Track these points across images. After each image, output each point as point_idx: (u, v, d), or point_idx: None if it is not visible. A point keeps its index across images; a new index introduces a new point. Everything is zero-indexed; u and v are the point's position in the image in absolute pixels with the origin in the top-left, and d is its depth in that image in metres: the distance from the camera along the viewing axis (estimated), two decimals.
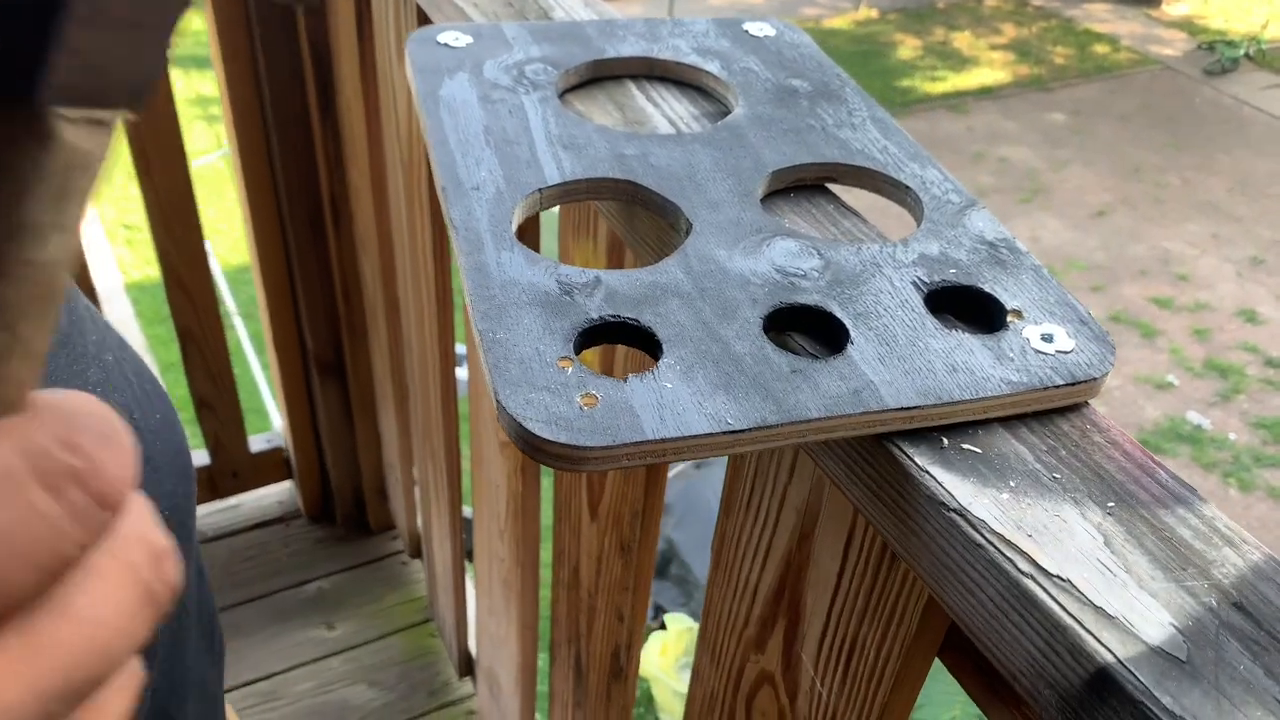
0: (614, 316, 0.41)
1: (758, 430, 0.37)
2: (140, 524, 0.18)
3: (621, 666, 0.81)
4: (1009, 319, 0.44)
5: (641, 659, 1.96)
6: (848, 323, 0.42)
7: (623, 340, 0.42)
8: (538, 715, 1.24)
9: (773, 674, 0.57)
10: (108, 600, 0.17)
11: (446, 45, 0.61)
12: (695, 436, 0.37)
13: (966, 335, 0.42)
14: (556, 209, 0.71)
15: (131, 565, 0.17)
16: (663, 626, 1.86)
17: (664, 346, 0.40)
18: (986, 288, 0.45)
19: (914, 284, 0.45)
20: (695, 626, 1.88)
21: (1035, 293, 0.45)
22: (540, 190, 0.50)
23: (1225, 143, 4.34)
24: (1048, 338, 0.43)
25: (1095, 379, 0.41)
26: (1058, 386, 0.40)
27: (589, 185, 0.51)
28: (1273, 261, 3.84)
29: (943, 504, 0.37)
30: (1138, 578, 0.35)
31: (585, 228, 0.69)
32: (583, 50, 0.62)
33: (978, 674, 0.43)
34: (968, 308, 0.45)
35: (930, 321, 0.43)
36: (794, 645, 0.54)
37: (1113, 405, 3.19)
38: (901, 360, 0.41)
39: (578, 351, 0.40)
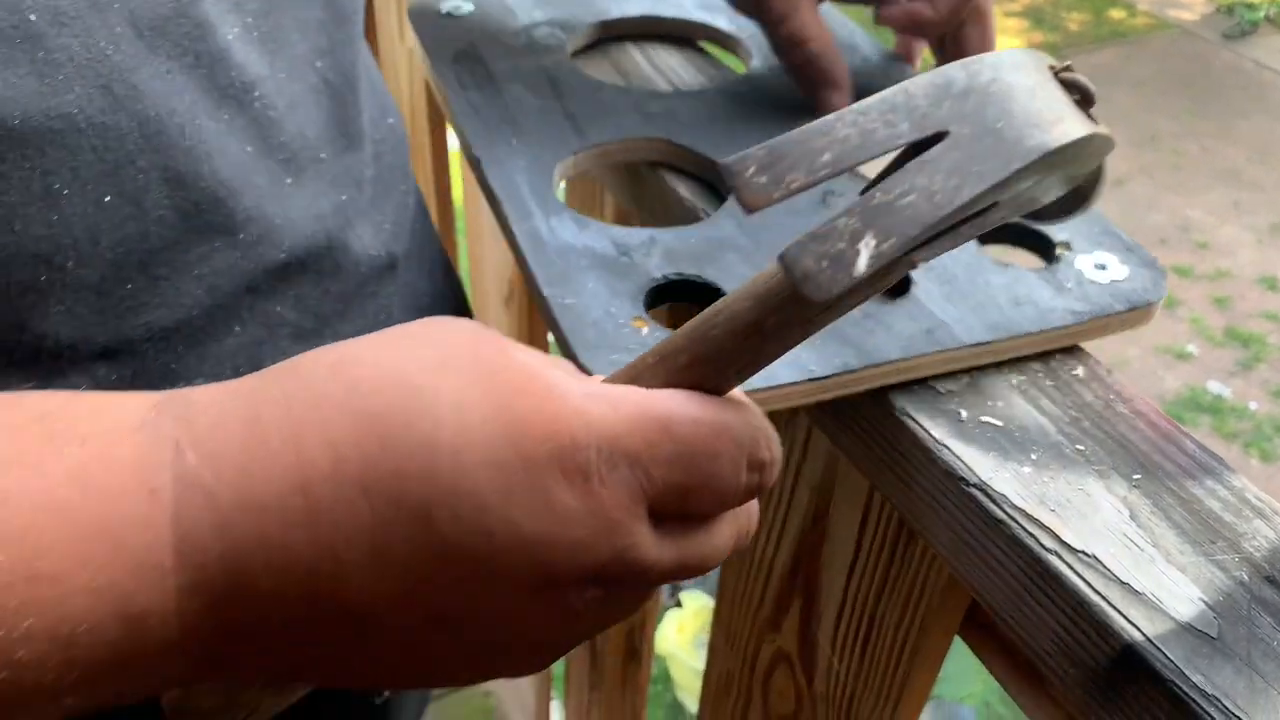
0: (678, 275, 0.42)
1: (841, 375, 0.38)
2: (754, 507, 0.31)
3: (636, 647, 0.80)
4: (1058, 250, 0.44)
5: (658, 637, 1.97)
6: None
7: (688, 298, 0.42)
8: (554, 695, 1.24)
9: (789, 654, 0.56)
10: (749, 519, 0.31)
11: (450, 15, 0.60)
12: (781, 386, 0.37)
13: (1022, 270, 0.43)
14: (562, 184, 0.70)
15: (748, 516, 0.31)
16: (679, 604, 1.86)
17: None
18: (1031, 223, 0.45)
19: None
20: (712, 604, 1.87)
21: (1078, 224, 0.45)
22: (575, 153, 0.49)
23: (1245, 108, 4.28)
24: (1101, 266, 0.43)
25: (1152, 303, 0.42)
26: (1118, 313, 0.41)
27: (623, 146, 0.50)
28: None
29: (962, 479, 0.36)
30: (1165, 552, 0.33)
31: (592, 202, 0.68)
32: (585, 10, 0.60)
33: (1001, 651, 0.42)
34: (1016, 243, 0.46)
35: (986, 259, 0.43)
36: (810, 625, 0.53)
37: (1131, 375, 3.15)
38: (966, 298, 0.41)
39: (647, 310, 0.40)
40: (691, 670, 1.77)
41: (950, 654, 0.46)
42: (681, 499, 0.26)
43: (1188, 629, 0.31)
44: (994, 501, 0.35)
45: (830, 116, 0.24)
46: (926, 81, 0.24)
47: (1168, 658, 0.30)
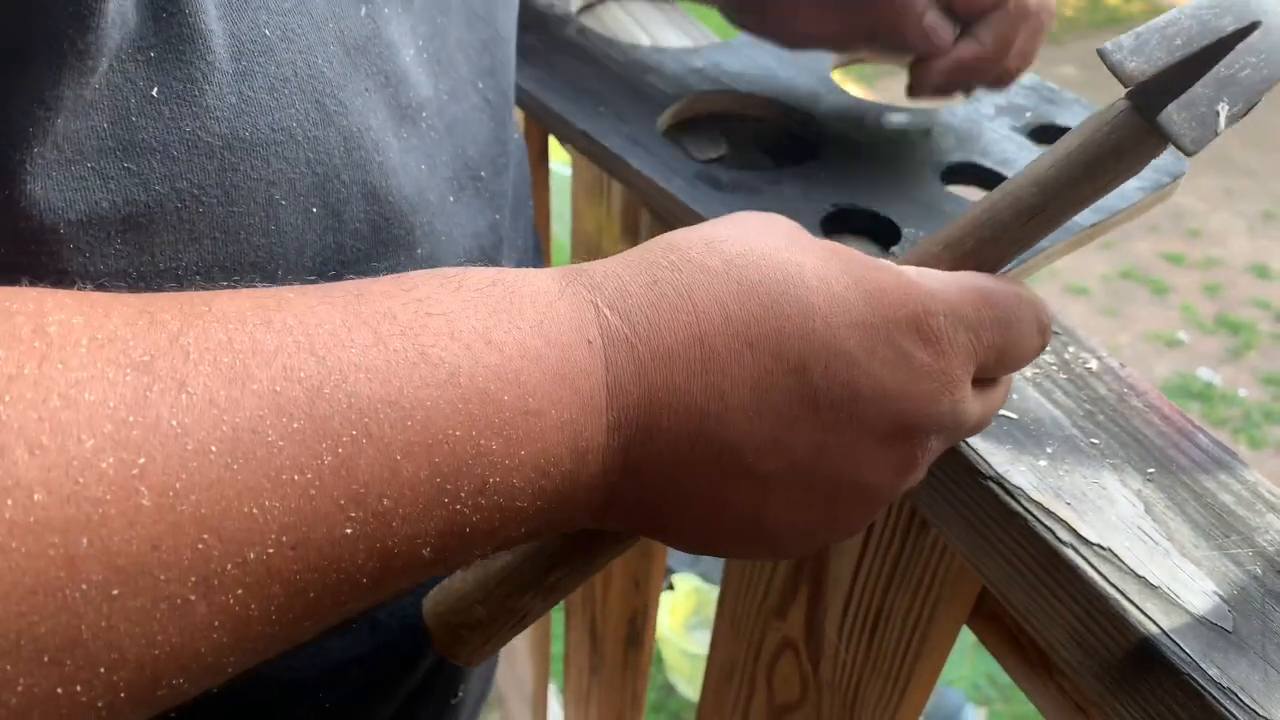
0: (850, 204, 0.47)
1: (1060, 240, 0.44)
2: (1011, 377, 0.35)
3: (638, 632, 0.81)
4: None
5: (659, 622, 1.97)
6: (999, 170, 0.49)
7: (858, 228, 0.47)
8: (552, 681, 1.24)
9: (795, 641, 0.56)
10: (1011, 381, 0.35)
11: None
12: (1041, 249, 0.43)
13: None
14: (568, 173, 0.70)
15: (1010, 380, 0.35)
16: (670, 587, 1.87)
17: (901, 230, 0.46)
18: (1062, 122, 0.52)
19: (1012, 130, 0.53)
20: (703, 587, 1.88)
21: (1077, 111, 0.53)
22: (667, 108, 0.52)
23: None
24: None
25: (1184, 172, 0.49)
26: (1165, 185, 0.48)
27: (724, 99, 0.54)
28: None
29: (978, 471, 0.36)
30: (1180, 545, 0.34)
31: (598, 191, 0.68)
32: None
33: (1008, 640, 0.42)
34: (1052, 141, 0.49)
35: None
36: (817, 613, 0.53)
37: (1123, 362, 3.15)
38: None
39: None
40: (682, 652, 1.78)
41: None
42: (998, 359, 0.32)
43: (1203, 622, 0.31)
44: (1010, 494, 0.35)
45: (1173, 12, 0.30)
46: None
47: (1184, 651, 0.30)
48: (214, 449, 0.20)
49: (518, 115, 0.54)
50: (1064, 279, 3.32)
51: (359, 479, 0.22)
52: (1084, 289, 3.36)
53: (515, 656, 1.14)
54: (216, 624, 0.21)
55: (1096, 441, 0.37)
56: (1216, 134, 0.29)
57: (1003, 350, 0.31)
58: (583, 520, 0.29)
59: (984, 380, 0.32)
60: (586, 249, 0.70)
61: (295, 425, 0.21)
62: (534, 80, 0.53)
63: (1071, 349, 0.41)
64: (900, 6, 0.47)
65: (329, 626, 0.25)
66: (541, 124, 0.55)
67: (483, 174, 0.39)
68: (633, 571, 0.77)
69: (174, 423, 0.20)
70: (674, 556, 2.08)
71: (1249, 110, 0.30)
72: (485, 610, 0.33)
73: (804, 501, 0.30)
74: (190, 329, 0.21)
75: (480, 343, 0.25)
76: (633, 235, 0.63)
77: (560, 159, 1.00)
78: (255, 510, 0.21)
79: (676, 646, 1.80)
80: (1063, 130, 0.50)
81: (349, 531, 0.22)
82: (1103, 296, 3.37)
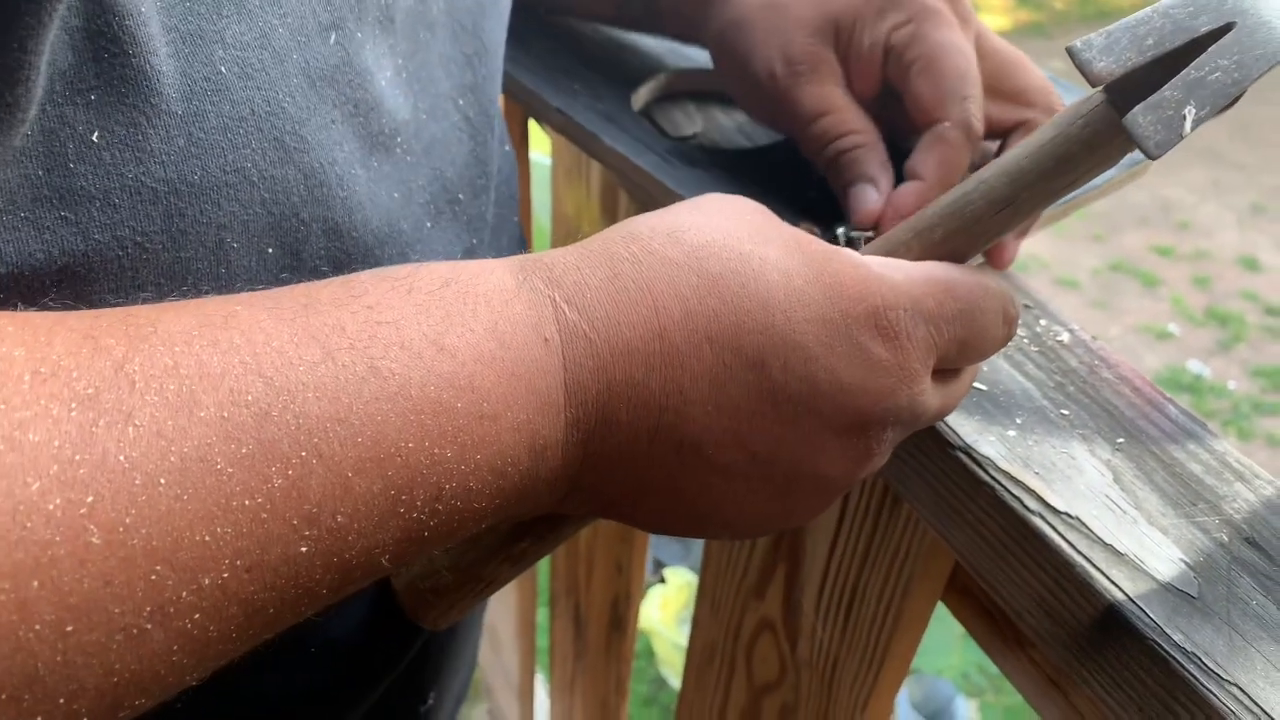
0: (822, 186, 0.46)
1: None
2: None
3: (621, 616, 0.81)
4: None
5: (641, 613, 1.97)
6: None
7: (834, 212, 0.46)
8: (539, 671, 1.24)
9: (773, 621, 0.56)
10: (978, 368, 0.35)
11: None
12: None
13: None
14: (549, 163, 0.69)
15: (978, 366, 0.35)
16: (662, 580, 1.87)
17: None
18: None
19: None
20: (695, 581, 1.88)
21: (1069, 98, 0.51)
22: (645, 84, 0.52)
23: None
24: None
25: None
26: (1140, 162, 0.47)
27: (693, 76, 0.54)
28: (1274, 208, 3.81)
29: (947, 442, 0.36)
30: (1148, 514, 0.34)
31: (577, 173, 0.67)
32: None
33: (981, 614, 0.42)
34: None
35: None
36: (794, 591, 0.53)
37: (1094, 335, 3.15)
38: None
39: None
40: (674, 646, 1.78)
41: (930, 627, 0.47)
42: (960, 351, 0.31)
43: (1169, 589, 0.31)
44: (978, 464, 0.35)
45: (1146, 10, 0.30)
46: None
47: (1149, 616, 0.30)
48: (163, 481, 0.20)
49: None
50: (1054, 272, 3.32)
51: (311, 499, 0.22)
52: (1074, 282, 3.37)
53: (501, 647, 1.14)
54: (175, 648, 0.21)
55: (1066, 413, 0.37)
56: (1182, 137, 0.29)
57: (965, 342, 0.31)
58: (546, 508, 0.29)
59: (946, 371, 0.32)
60: (566, 231, 0.70)
61: (244, 451, 0.21)
62: (509, 59, 0.53)
63: (1044, 322, 0.41)
64: (808, 138, 0.43)
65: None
66: (519, 102, 0.54)
67: (461, 196, 0.38)
68: (615, 557, 0.77)
69: (121, 457, 0.19)
70: (664, 550, 2.08)
71: (1218, 114, 0.30)
72: (453, 577, 0.33)
73: (762, 491, 0.30)
74: (136, 354, 0.21)
75: (431, 350, 0.24)
76: (611, 216, 0.62)
77: (541, 149, 1.00)
78: (208, 537, 0.20)
79: (668, 640, 1.80)
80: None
81: (304, 550, 0.22)
82: (1093, 289, 3.38)
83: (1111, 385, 0.38)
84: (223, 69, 0.27)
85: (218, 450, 0.21)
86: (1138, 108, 0.29)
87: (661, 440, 0.28)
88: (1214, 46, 0.29)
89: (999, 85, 0.41)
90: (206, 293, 0.28)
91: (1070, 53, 0.30)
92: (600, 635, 0.85)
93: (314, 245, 0.31)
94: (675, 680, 1.81)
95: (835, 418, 0.29)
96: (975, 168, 0.40)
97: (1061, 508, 0.33)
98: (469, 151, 0.39)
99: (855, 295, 0.29)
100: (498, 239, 0.44)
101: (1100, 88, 0.30)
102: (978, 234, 0.33)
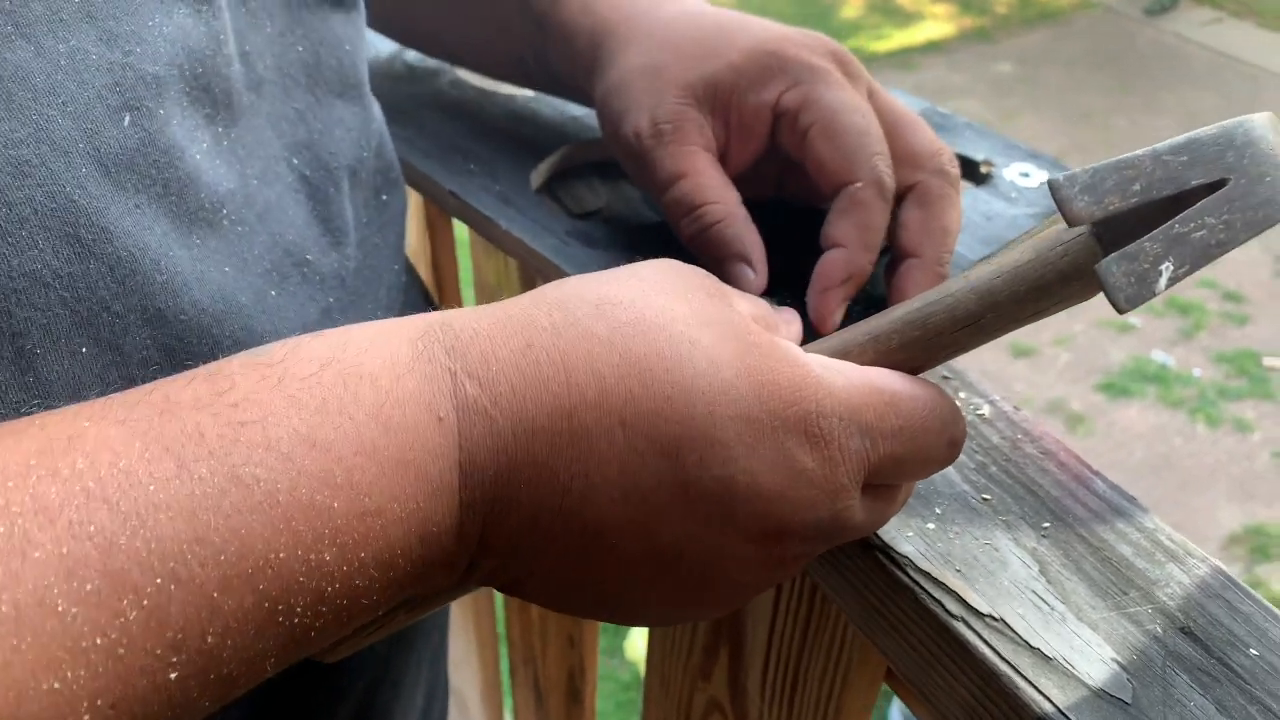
0: None
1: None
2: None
3: (577, 689, 0.78)
4: (983, 169, 0.49)
5: (631, 645, 1.94)
6: None
7: None
8: None
9: (721, 702, 0.54)
10: (914, 486, 0.34)
11: None
12: None
13: (973, 189, 0.48)
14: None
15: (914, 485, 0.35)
16: None
17: None
18: (955, 149, 0.50)
19: None
20: None
21: (985, 143, 0.51)
22: (544, 160, 0.50)
23: (1168, 81, 4.35)
24: (1025, 174, 0.49)
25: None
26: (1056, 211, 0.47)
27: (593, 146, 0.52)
28: None
29: (865, 541, 0.34)
30: (1076, 609, 0.32)
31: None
32: None
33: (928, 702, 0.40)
34: None
35: None
36: (739, 674, 0.51)
37: (1077, 350, 3.21)
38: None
39: None
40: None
41: None
42: (895, 469, 0.29)
43: (1101, 695, 0.29)
44: (897, 565, 0.33)
45: (1142, 152, 0.28)
46: (1214, 133, 0.27)
47: None
48: None
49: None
50: None
51: (173, 625, 0.20)
52: None
53: (468, 710, 1.11)
54: None
55: (989, 497, 0.35)
56: (1154, 294, 0.27)
57: (902, 461, 0.29)
58: (447, 586, 0.28)
59: (879, 486, 0.30)
60: (489, 300, 0.68)
61: (89, 587, 0.19)
62: (401, 140, 0.50)
63: (963, 395, 0.39)
64: (667, 204, 0.40)
65: None
66: (413, 185, 0.52)
67: (309, 257, 0.36)
68: (567, 631, 0.75)
69: None
70: None
71: (1195, 272, 0.28)
72: None
73: (668, 585, 0.28)
74: None
75: (303, 448, 0.23)
76: (530, 286, 0.60)
77: None
78: (57, 685, 0.19)
79: None
80: (959, 158, 0.48)
81: (174, 675, 0.20)
82: None
83: (1035, 461, 0.36)
84: None
85: (58, 591, 0.19)
86: (1112, 256, 0.27)
87: (564, 524, 0.26)
88: (1203, 202, 0.27)
89: (890, 147, 0.39)
90: (17, 404, 0.26)
91: (1052, 187, 0.28)
92: (560, 705, 0.82)
93: (136, 336, 0.29)
94: None
95: (749, 523, 0.27)
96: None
97: (984, 610, 0.31)
98: (309, 211, 0.37)
99: (788, 398, 0.27)
100: (373, 290, 0.41)
101: (1090, 223, 0.28)
102: (936, 348, 0.31)
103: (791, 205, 0.44)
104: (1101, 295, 0.28)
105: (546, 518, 0.26)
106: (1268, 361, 3.20)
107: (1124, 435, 3.03)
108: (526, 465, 0.25)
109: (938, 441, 0.30)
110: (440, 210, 0.69)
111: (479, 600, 0.99)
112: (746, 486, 0.27)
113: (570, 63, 0.45)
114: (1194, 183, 0.27)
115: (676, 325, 0.27)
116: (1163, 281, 0.27)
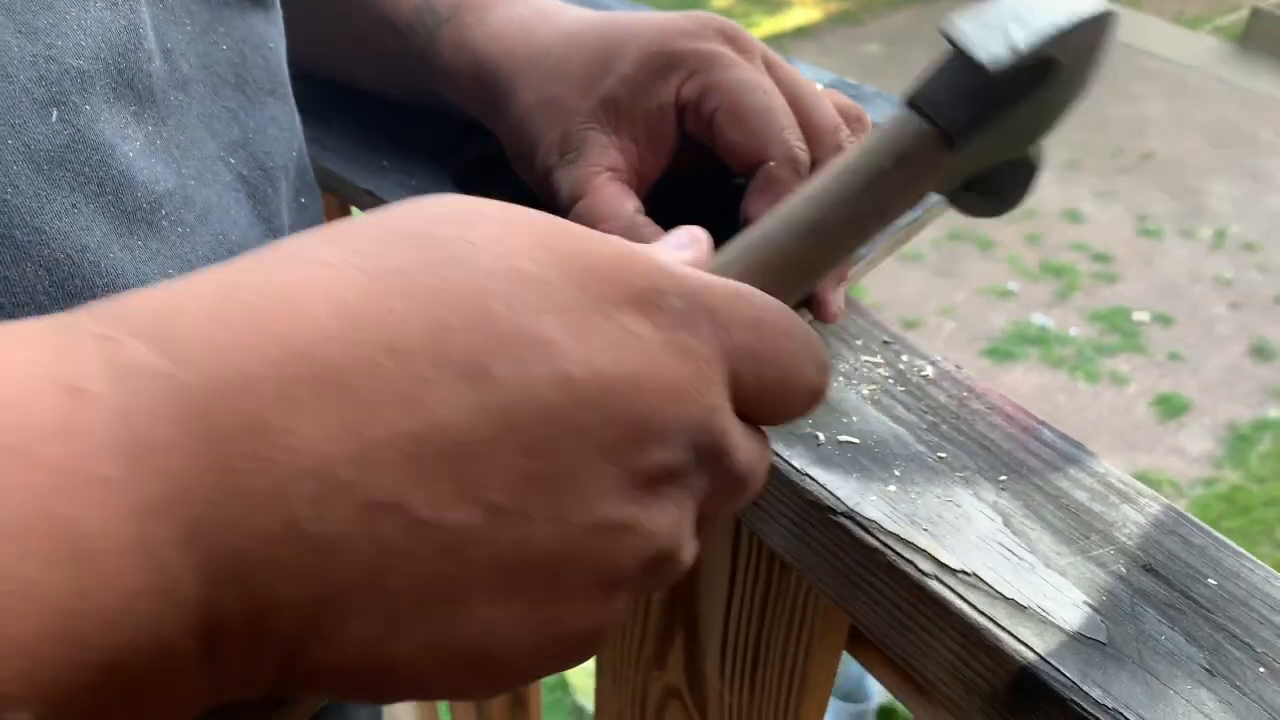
0: None
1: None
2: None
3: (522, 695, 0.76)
4: None
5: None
6: None
7: None
8: None
9: (678, 689, 0.53)
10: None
11: None
12: None
13: None
14: None
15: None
16: None
17: None
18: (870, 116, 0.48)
19: None
20: None
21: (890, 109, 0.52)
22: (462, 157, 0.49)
23: None
24: None
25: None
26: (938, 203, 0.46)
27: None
28: (1087, 162, 4.05)
29: (829, 508, 0.34)
30: (1044, 556, 0.32)
31: None
32: None
33: (888, 664, 0.41)
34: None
35: None
36: (696, 658, 0.50)
37: (961, 319, 3.32)
38: None
39: None
40: (588, 673, 1.75)
41: None
42: (756, 375, 0.24)
43: (1078, 638, 0.30)
44: (864, 529, 0.33)
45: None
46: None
47: (1064, 675, 0.29)
48: None
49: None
50: (899, 248, 3.44)
51: None
52: (919, 255, 3.49)
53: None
54: None
55: (944, 455, 0.35)
56: (1015, 51, 0.27)
57: (763, 362, 0.24)
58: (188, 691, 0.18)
59: (750, 423, 0.25)
60: None
61: None
62: (308, 140, 0.48)
63: (905, 358, 0.39)
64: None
65: None
66: (328, 189, 0.50)
67: None
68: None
69: None
70: None
71: (1045, 46, 0.28)
72: None
73: (521, 575, 0.20)
74: None
75: None
76: None
77: None
78: None
79: (582, 667, 1.77)
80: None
81: None
82: (936, 259, 3.50)
83: (984, 417, 0.37)
84: None
85: None
86: (961, 16, 0.28)
87: (334, 513, 0.18)
88: None
89: None
90: None
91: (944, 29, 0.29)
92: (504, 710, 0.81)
93: None
94: (592, 706, 1.78)
95: (605, 432, 0.20)
96: None
97: (956, 565, 0.32)
98: (251, 211, 0.35)
99: (610, 276, 0.21)
100: None
101: (906, 99, 0.29)
102: (782, 268, 0.29)
103: (709, 176, 0.44)
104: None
105: (306, 511, 0.18)
106: (1137, 316, 3.37)
107: (1012, 397, 3.16)
108: (243, 436, 0.18)
109: (804, 351, 0.25)
110: (350, 213, 0.67)
111: None
112: (587, 380, 0.20)
113: (461, 101, 0.45)
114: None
115: (443, 229, 0.21)
116: (1020, 39, 0.27)
